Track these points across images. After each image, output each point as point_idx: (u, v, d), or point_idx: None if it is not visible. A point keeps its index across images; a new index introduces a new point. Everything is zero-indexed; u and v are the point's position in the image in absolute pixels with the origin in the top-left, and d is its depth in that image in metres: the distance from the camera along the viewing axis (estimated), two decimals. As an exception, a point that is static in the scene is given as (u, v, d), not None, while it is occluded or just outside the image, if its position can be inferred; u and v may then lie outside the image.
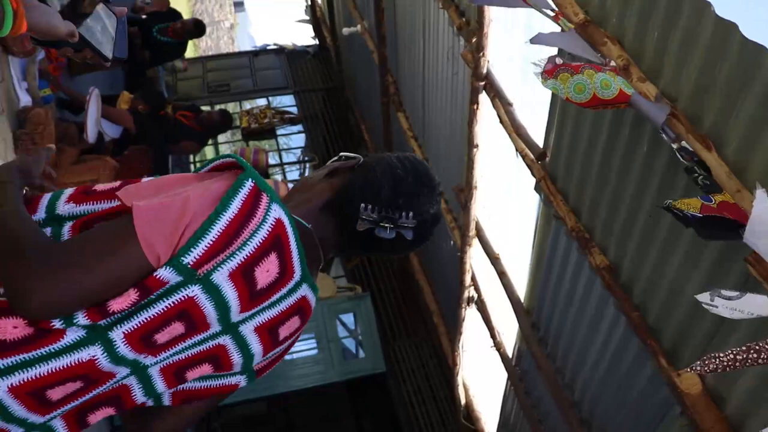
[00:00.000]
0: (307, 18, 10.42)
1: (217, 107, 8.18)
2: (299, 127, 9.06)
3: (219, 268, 1.04)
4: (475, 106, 3.44)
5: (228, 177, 1.13)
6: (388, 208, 1.18)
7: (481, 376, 5.48)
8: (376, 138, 7.35)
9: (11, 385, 1.04)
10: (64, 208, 1.15)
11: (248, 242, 1.06)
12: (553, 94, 2.64)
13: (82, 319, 1.01)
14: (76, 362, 1.04)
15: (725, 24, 1.65)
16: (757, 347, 1.28)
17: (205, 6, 25.07)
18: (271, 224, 1.08)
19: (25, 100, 3.81)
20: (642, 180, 2.22)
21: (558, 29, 2.07)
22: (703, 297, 1.37)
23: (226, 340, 1.14)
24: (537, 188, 3.07)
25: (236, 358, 1.17)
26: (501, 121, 3.22)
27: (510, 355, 4.29)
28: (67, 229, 1.12)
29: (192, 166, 8.52)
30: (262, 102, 9.34)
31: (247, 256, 1.06)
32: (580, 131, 2.56)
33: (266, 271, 1.09)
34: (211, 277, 1.04)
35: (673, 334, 2.31)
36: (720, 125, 1.76)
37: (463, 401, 5.77)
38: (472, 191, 3.85)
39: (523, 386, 4.19)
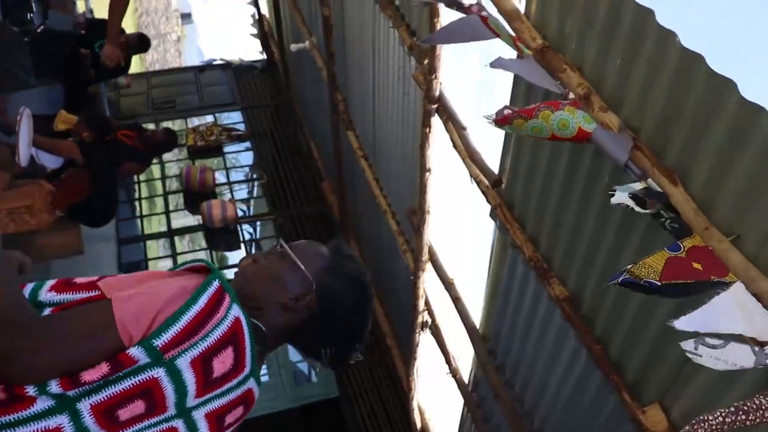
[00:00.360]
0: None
1: (163, 125, 7.94)
2: (247, 145, 8.84)
3: (183, 355, 1.17)
4: (428, 129, 3.33)
5: (197, 277, 1.32)
6: (344, 349, 1.42)
7: (438, 400, 5.37)
8: (325, 156, 7.21)
9: None
10: (46, 296, 1.29)
11: (210, 334, 1.19)
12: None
13: (54, 387, 1.12)
14: (43, 429, 1.13)
15: (690, 54, 1.58)
16: (744, 407, 1.21)
17: (151, 18, 24.69)
18: (231, 321, 1.22)
19: (-51, 122, 3.56)
20: (603, 211, 2.14)
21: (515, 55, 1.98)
22: (688, 345, 1.33)
23: (178, 424, 1.25)
24: (492, 215, 2.97)
25: None
26: (454, 146, 3.12)
27: (466, 381, 4.18)
28: (47, 313, 1.26)
29: (136, 186, 8.24)
30: (209, 119, 9.09)
31: (208, 346, 1.19)
32: (538, 159, 2.47)
33: (222, 362, 1.22)
34: (175, 362, 1.17)
35: (637, 368, 2.24)
36: (686, 158, 1.68)
37: (419, 425, 5.65)
38: (425, 216, 3.74)
39: (480, 413, 4.08)
